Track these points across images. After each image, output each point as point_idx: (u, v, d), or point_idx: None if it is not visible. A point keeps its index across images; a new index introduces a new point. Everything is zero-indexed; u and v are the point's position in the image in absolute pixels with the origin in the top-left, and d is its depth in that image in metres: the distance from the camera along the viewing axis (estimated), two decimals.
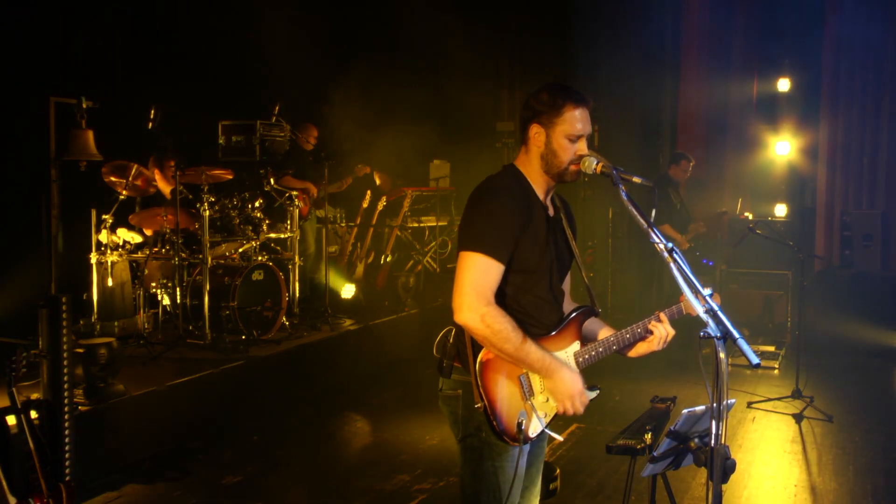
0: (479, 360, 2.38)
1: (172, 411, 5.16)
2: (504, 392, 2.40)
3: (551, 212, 2.59)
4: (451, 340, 2.50)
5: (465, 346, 2.41)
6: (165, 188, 6.72)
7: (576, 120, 2.46)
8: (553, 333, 2.52)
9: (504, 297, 2.45)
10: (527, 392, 2.43)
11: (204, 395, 5.40)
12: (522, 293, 2.48)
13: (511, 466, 2.45)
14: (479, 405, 2.36)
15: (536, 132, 2.48)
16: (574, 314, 2.57)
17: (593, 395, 2.53)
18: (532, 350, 2.37)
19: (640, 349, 2.58)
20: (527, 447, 2.48)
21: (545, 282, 2.52)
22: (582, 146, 2.49)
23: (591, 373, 2.58)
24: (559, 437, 2.52)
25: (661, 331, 2.53)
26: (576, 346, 2.55)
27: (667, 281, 7.57)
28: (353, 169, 8.53)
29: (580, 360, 2.53)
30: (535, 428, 2.45)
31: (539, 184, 2.54)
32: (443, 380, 2.53)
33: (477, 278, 2.35)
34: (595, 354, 2.54)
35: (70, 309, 4.10)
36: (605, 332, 2.62)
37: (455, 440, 2.54)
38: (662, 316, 2.55)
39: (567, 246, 2.60)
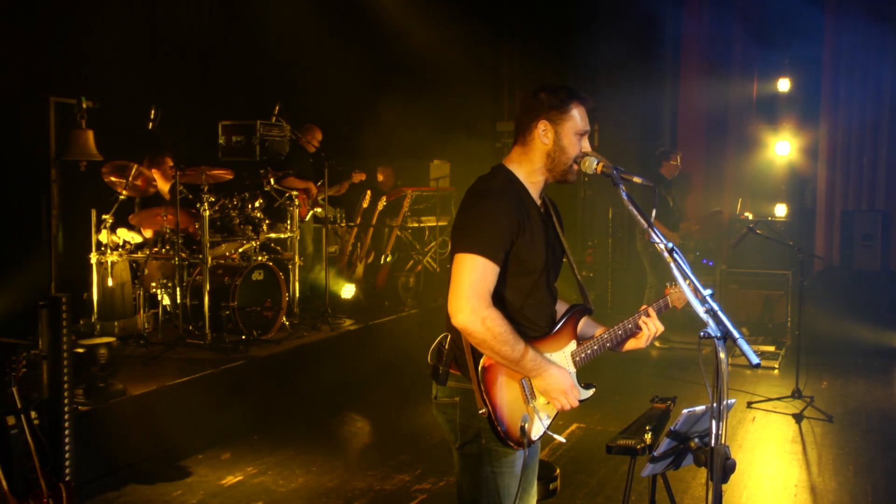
0: (480, 365, 2.37)
1: (172, 411, 5.15)
2: (507, 397, 2.40)
3: (543, 210, 2.58)
4: (446, 347, 2.49)
5: (465, 352, 2.39)
6: (164, 187, 6.71)
7: (582, 116, 2.50)
8: (551, 334, 2.52)
9: (506, 305, 2.43)
10: (528, 395, 2.42)
11: (204, 395, 5.40)
12: (526, 298, 2.46)
13: (510, 471, 2.44)
14: (482, 411, 2.35)
15: (544, 129, 2.47)
16: (569, 314, 2.58)
17: (589, 393, 2.54)
18: (527, 352, 2.36)
19: (629, 345, 2.62)
20: (529, 450, 2.48)
21: (544, 282, 2.52)
22: (586, 143, 2.52)
23: (588, 372, 2.59)
24: (561, 439, 2.52)
25: (651, 327, 2.59)
26: (572, 345, 2.56)
27: (663, 280, 7.56)
28: (351, 175, 8.53)
29: (577, 359, 2.55)
30: (537, 430, 2.45)
31: (535, 183, 2.53)
32: (438, 387, 2.52)
33: (477, 280, 2.31)
34: (591, 353, 2.56)
35: (70, 309, 4.10)
36: (598, 331, 2.63)
37: (452, 447, 2.53)
38: (651, 311, 2.60)
39: (560, 243, 2.60)
